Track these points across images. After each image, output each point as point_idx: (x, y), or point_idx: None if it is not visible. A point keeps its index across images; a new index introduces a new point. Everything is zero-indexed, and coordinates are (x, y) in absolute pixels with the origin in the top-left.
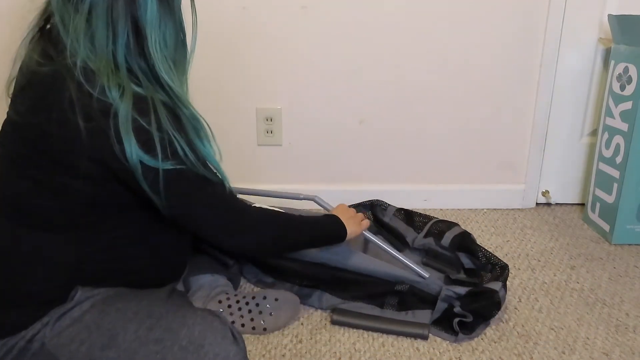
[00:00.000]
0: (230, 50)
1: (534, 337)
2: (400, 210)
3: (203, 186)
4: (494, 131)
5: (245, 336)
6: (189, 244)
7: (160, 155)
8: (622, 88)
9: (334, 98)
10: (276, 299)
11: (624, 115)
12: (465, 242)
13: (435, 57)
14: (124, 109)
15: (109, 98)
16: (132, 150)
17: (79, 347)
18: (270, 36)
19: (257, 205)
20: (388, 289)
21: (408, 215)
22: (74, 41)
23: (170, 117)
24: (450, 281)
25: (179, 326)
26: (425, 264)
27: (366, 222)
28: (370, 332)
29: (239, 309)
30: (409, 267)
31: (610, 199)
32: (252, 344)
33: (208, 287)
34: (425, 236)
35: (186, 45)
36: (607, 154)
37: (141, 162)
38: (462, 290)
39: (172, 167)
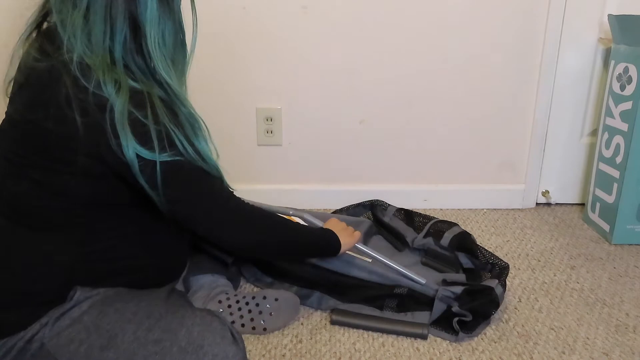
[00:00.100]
0: (230, 50)
1: (534, 337)
2: (400, 210)
3: (201, 178)
4: (494, 131)
5: (245, 336)
6: (188, 244)
7: (157, 148)
8: (622, 88)
9: (334, 98)
10: (276, 299)
11: (624, 115)
12: (464, 242)
13: (435, 57)
14: (120, 104)
15: (104, 93)
16: (129, 143)
17: (78, 347)
18: (270, 36)
19: (256, 204)
20: (387, 292)
21: (408, 216)
22: (71, 37)
23: (167, 111)
24: (447, 284)
25: (178, 327)
26: (424, 264)
27: (358, 234)
28: (370, 332)
29: (239, 309)
30: (405, 274)
31: (610, 199)
32: (252, 344)
33: (208, 287)
34: (425, 236)
35: (185, 45)
36: (607, 154)
37: (138, 155)
38: (458, 289)
39: (169, 158)
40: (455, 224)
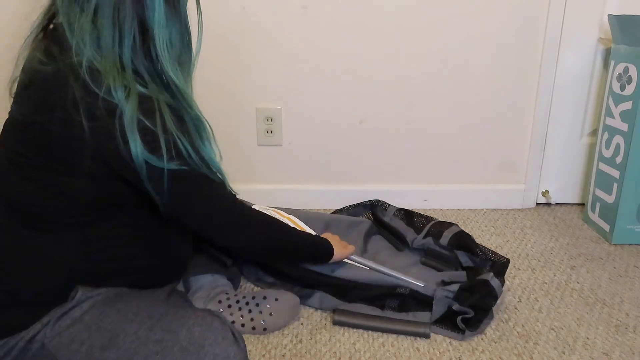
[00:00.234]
0: (230, 50)
1: (534, 337)
2: (400, 210)
3: (205, 185)
4: (494, 131)
5: (245, 336)
6: (189, 244)
7: (165, 156)
8: (622, 88)
9: (334, 98)
10: (276, 299)
11: (624, 115)
12: (463, 240)
13: (435, 57)
14: (129, 110)
15: (114, 98)
16: (138, 150)
17: (79, 347)
18: (270, 36)
19: (257, 206)
20: (388, 292)
21: (408, 216)
22: (79, 41)
23: (174, 118)
24: (445, 284)
25: (179, 327)
26: (424, 264)
27: (352, 248)
28: (370, 332)
29: (239, 309)
30: (403, 280)
31: (610, 199)
32: (252, 344)
33: (208, 287)
34: (425, 237)
35: (191, 47)
36: (607, 154)
37: (147, 162)
38: (455, 287)
39: (176, 167)
40: (454, 224)
